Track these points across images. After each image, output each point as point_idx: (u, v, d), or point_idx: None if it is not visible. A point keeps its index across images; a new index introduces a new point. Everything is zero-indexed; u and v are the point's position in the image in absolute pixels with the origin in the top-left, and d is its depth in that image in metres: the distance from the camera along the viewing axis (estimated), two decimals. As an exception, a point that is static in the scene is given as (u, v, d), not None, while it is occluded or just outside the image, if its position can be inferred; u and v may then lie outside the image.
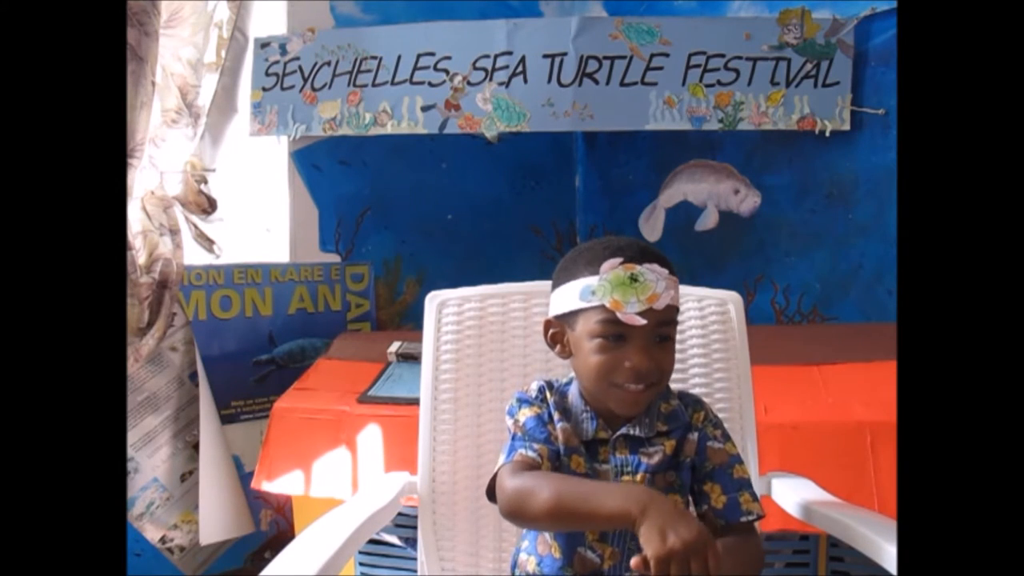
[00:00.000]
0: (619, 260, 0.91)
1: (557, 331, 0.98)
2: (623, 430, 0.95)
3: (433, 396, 1.20)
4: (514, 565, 1.02)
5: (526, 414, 0.98)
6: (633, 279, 0.89)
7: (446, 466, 1.19)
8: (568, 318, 0.95)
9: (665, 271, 0.91)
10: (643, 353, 0.90)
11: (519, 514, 0.90)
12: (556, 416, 0.97)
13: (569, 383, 1.00)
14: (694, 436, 0.97)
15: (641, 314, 0.89)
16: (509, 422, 0.99)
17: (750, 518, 0.94)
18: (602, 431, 0.96)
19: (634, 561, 0.77)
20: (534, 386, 1.01)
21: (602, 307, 0.90)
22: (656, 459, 0.94)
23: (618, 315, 0.89)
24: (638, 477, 0.94)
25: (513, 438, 0.97)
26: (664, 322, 0.91)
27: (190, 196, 1.99)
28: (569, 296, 0.94)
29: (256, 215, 2.31)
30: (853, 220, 2.27)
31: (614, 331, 0.91)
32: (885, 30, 2.15)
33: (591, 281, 0.91)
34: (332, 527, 0.96)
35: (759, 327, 2.14)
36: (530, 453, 0.93)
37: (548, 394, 0.99)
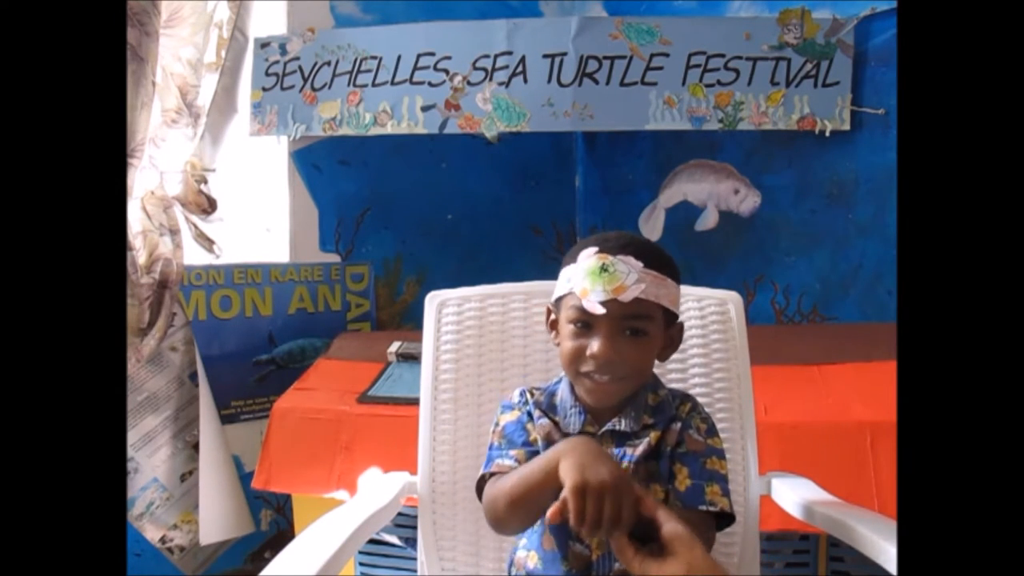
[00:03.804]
0: (595, 250, 0.92)
1: (554, 317, 1.00)
2: (609, 425, 0.96)
3: (433, 396, 1.21)
4: (510, 564, 1.02)
5: (507, 419, 1.00)
6: (603, 269, 0.90)
7: (446, 466, 1.19)
8: (557, 304, 0.98)
9: (640, 264, 0.91)
10: (606, 344, 0.90)
11: (496, 521, 0.94)
12: (537, 414, 0.98)
13: (559, 381, 1.02)
14: (677, 426, 0.96)
15: (605, 304, 0.88)
16: (491, 431, 1.01)
17: (711, 508, 0.90)
18: (589, 426, 0.96)
19: (551, 511, 0.78)
20: (516, 392, 1.03)
21: (573, 294, 0.92)
22: (640, 450, 0.94)
23: (584, 303, 0.90)
24: (623, 467, 0.94)
25: (491, 448, 0.99)
26: (633, 315, 0.90)
27: (190, 196, 1.99)
28: (559, 283, 0.97)
29: (256, 215, 2.31)
30: (853, 220, 2.27)
31: (581, 319, 0.92)
32: (885, 30, 2.15)
33: (571, 269, 0.94)
34: (332, 527, 0.96)
35: (759, 327, 2.14)
36: (507, 461, 0.95)
37: (530, 396, 1.01)
